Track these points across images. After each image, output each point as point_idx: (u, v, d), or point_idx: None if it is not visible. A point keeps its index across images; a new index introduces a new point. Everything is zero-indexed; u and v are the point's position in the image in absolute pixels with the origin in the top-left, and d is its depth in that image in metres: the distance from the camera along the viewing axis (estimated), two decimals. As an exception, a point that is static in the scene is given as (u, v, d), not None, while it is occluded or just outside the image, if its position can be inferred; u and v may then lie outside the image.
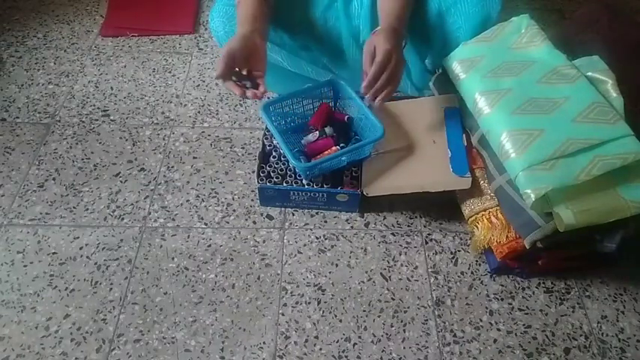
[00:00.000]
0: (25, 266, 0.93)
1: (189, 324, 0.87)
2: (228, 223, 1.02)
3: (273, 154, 1.04)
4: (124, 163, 1.11)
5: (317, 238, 1.00)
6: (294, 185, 1.00)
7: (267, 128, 1.05)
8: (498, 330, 0.89)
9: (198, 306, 0.89)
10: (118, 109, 1.23)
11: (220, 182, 1.09)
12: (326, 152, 1.00)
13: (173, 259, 0.96)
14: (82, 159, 1.12)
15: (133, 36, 1.44)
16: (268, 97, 1.25)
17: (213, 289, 0.92)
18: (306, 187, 0.99)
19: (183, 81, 1.32)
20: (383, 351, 0.85)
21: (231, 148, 1.16)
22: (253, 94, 0.84)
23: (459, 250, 0.99)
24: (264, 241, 0.99)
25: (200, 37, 1.46)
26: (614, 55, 0.92)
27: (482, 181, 0.95)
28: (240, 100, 1.26)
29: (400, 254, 0.98)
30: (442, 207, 1.04)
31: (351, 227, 1.02)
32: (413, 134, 1.02)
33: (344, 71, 1.10)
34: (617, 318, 0.91)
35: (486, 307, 0.91)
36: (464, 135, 0.99)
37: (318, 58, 1.10)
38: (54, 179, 1.07)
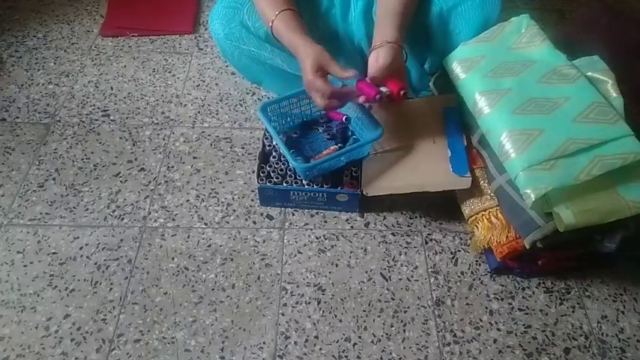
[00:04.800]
0: (25, 266, 0.93)
1: (189, 324, 0.87)
2: (228, 223, 1.02)
3: (273, 154, 1.04)
4: (124, 163, 1.11)
5: (317, 238, 1.00)
6: (294, 185, 1.00)
7: (266, 128, 1.06)
8: (498, 330, 0.89)
9: (198, 306, 0.89)
10: (118, 109, 1.23)
11: (220, 182, 1.09)
12: (325, 152, 1.00)
13: (173, 259, 0.96)
14: (82, 159, 1.12)
15: (133, 36, 1.44)
16: (268, 98, 1.26)
17: (213, 289, 0.92)
18: (306, 187, 0.99)
19: (183, 81, 1.32)
20: (383, 351, 0.85)
21: (231, 148, 1.16)
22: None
23: (459, 250, 0.99)
24: (264, 241, 0.99)
25: (200, 37, 1.46)
26: (614, 55, 0.92)
27: (482, 181, 0.95)
28: (239, 100, 1.27)
29: (400, 254, 0.98)
30: (442, 207, 1.04)
31: (351, 227, 1.02)
32: (413, 134, 1.02)
33: None
34: (617, 318, 0.91)
35: (486, 307, 0.91)
36: (464, 135, 0.99)
37: None
38: (54, 179, 1.07)
